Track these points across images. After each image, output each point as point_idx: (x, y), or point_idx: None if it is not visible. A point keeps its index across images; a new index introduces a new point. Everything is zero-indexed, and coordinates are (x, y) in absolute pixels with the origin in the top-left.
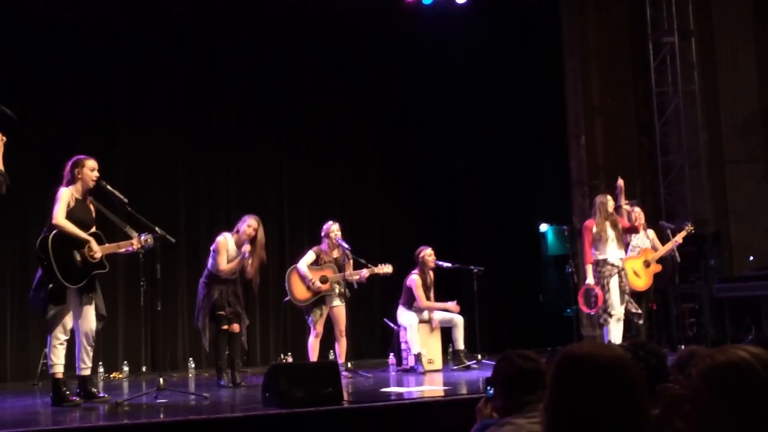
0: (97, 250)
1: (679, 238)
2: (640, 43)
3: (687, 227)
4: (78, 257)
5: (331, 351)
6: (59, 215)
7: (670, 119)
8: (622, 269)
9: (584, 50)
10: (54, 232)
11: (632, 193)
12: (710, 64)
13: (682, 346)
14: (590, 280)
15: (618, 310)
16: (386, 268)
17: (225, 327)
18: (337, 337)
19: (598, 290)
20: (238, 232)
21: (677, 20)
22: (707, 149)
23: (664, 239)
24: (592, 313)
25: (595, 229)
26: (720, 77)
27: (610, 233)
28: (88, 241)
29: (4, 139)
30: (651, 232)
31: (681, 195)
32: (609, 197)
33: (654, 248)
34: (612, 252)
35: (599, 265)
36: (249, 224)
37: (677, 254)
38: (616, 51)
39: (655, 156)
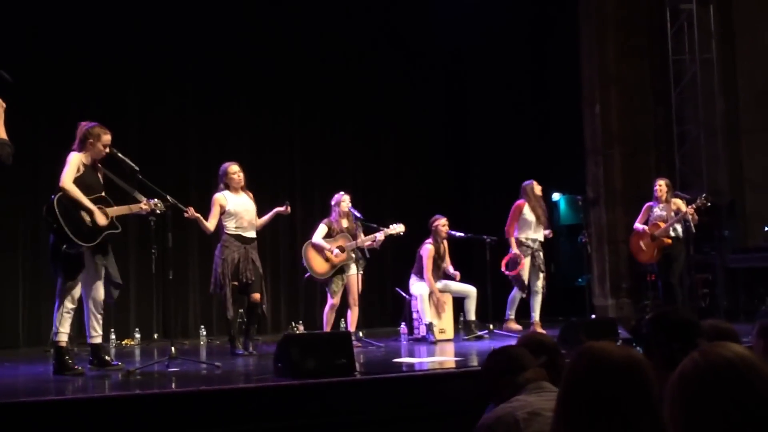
0: (102, 221)
1: (689, 211)
2: (657, 10)
3: (699, 200)
4: (87, 217)
5: (342, 320)
6: (67, 179)
7: (686, 88)
8: (537, 249)
9: (600, 16)
10: (59, 194)
11: (647, 163)
12: (728, 32)
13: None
14: (515, 249)
15: (531, 284)
16: (398, 228)
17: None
18: (350, 305)
19: (522, 258)
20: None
21: None
22: (724, 118)
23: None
24: (512, 275)
25: (522, 211)
26: (738, 45)
27: (531, 217)
28: (92, 211)
29: (4, 105)
30: (677, 201)
31: (696, 165)
32: (534, 183)
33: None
34: (529, 233)
35: (518, 243)
36: (232, 170)
37: (692, 225)
38: (632, 17)
39: (671, 125)
